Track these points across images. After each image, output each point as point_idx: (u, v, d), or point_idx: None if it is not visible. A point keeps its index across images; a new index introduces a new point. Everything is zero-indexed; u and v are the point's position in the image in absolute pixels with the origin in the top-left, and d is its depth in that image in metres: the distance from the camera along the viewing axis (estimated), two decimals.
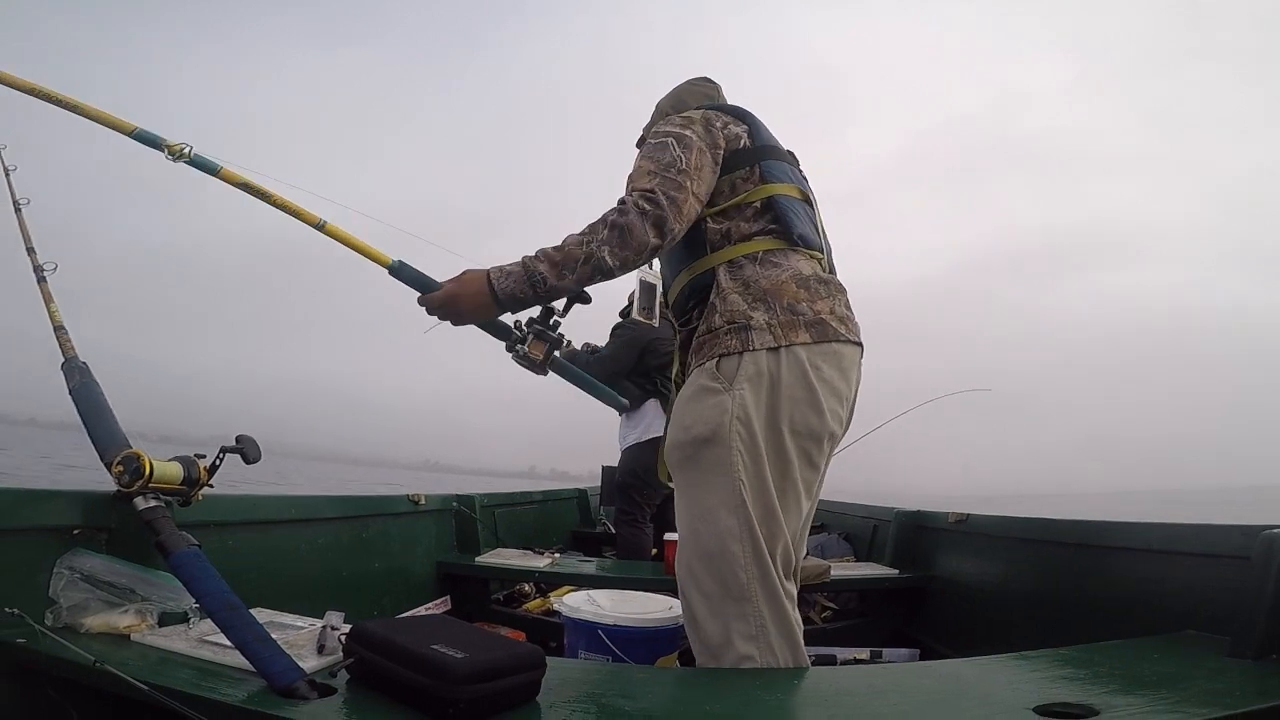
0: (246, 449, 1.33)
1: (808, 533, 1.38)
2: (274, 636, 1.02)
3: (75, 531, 1.25)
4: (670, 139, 1.30)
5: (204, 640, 1.11)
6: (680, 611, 1.73)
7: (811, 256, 1.34)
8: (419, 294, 1.39)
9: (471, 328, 1.38)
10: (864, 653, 2.19)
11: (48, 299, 1.53)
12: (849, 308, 1.34)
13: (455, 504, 2.68)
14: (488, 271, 1.28)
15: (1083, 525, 1.81)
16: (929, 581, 2.40)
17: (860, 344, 1.31)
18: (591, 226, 1.25)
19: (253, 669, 0.97)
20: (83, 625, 1.12)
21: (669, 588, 2.07)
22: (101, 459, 1.27)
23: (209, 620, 1.13)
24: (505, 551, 2.68)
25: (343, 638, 1.04)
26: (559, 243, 1.26)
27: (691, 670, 1.56)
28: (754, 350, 1.22)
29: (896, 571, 2.46)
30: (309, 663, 1.01)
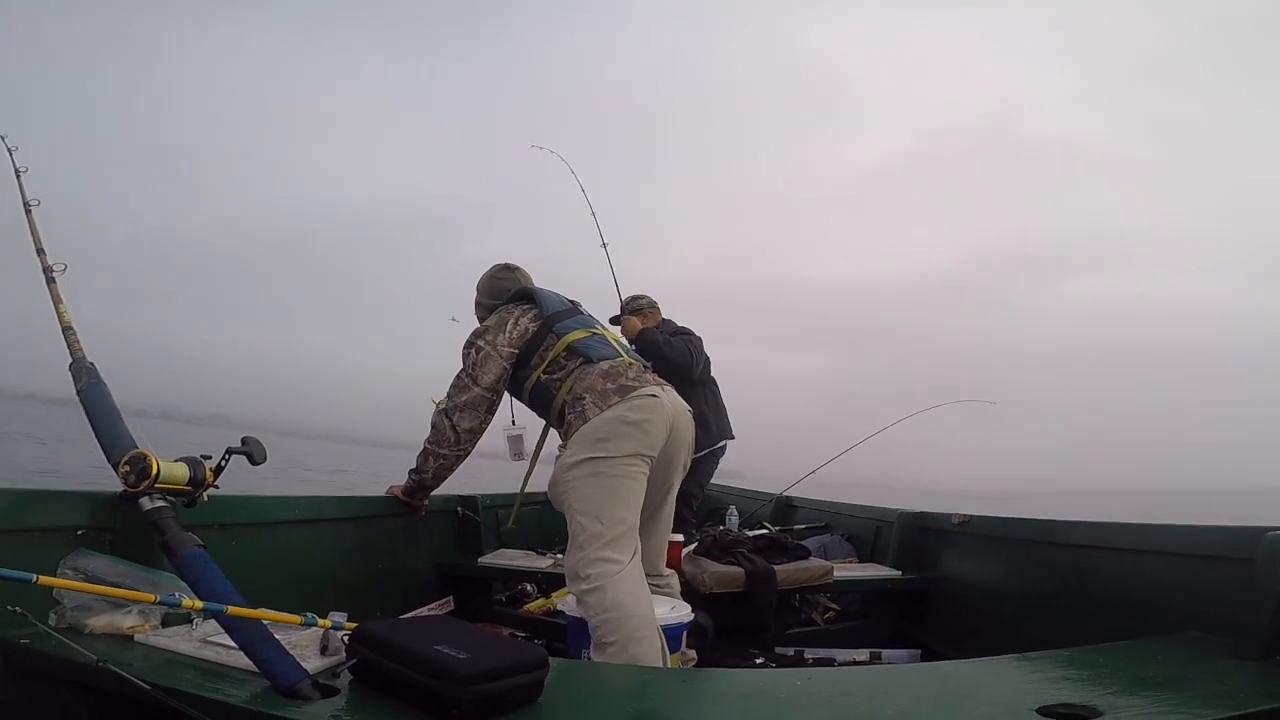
0: (253, 450, 1.33)
1: (667, 520, 1.98)
2: (277, 637, 1.03)
3: (79, 532, 1.25)
4: (471, 349, 1.97)
5: (207, 641, 1.11)
6: (684, 611, 1.74)
7: (610, 362, 1.88)
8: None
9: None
10: (863, 654, 2.19)
11: (57, 300, 1.53)
12: (639, 377, 1.86)
13: (458, 505, 2.68)
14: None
15: (1085, 527, 1.81)
16: (932, 583, 2.39)
17: (655, 393, 1.82)
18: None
19: (256, 669, 0.98)
20: (86, 625, 1.13)
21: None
22: (108, 459, 1.27)
23: (212, 621, 1.13)
24: (508, 552, 2.68)
25: (345, 638, 1.05)
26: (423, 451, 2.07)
27: (694, 670, 1.55)
28: (587, 420, 1.78)
29: (899, 573, 2.45)
30: (312, 663, 1.02)
